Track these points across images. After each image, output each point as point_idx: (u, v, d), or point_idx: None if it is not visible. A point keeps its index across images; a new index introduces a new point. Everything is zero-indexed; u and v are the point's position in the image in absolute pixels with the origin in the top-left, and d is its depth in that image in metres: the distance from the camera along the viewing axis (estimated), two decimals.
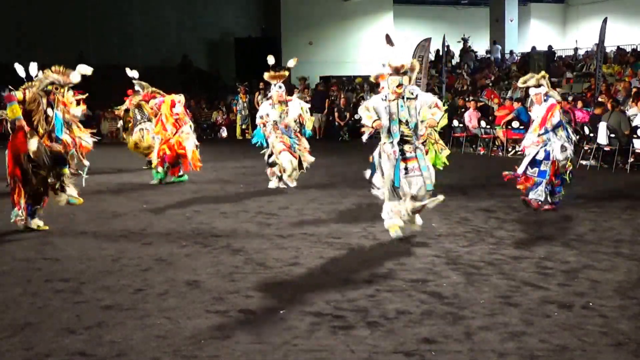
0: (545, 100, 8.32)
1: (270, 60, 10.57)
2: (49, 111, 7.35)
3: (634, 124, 12.62)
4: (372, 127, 6.98)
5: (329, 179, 11.46)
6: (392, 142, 6.95)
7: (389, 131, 6.96)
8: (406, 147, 6.96)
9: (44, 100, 7.33)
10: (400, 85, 6.87)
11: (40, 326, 4.58)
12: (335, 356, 4.04)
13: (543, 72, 8.65)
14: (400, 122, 6.91)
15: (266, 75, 10.40)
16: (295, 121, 10.39)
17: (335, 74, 26.72)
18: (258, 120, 10.53)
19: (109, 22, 26.56)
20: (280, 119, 10.28)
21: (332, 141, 19.06)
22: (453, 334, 4.35)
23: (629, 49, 22.36)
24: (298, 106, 10.44)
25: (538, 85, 8.32)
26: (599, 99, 14.69)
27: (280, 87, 10.29)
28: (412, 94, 6.96)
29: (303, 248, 6.74)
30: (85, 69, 7.63)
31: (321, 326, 4.51)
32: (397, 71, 6.89)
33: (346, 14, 29.40)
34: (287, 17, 28.30)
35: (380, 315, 4.70)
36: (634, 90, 14.85)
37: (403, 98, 6.91)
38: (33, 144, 7.19)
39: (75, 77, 7.52)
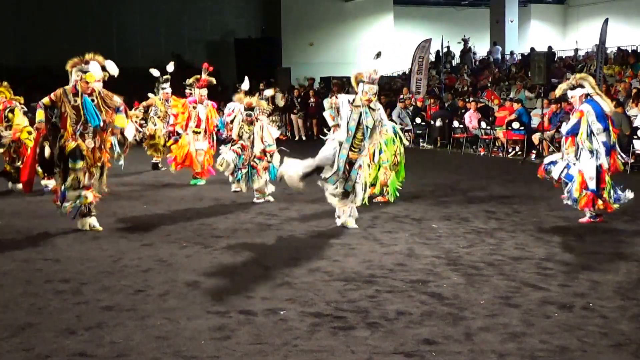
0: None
1: (245, 85, 9.95)
2: (77, 100, 7.40)
3: (634, 124, 12.61)
4: (331, 127, 7.51)
5: None
6: (343, 148, 7.37)
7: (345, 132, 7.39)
8: (352, 155, 7.40)
9: (70, 97, 7.40)
10: (375, 94, 7.40)
11: (41, 327, 4.58)
12: (336, 357, 4.04)
13: (585, 74, 8.27)
14: (357, 129, 7.31)
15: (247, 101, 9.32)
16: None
17: (336, 75, 26.73)
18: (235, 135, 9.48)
19: (108, 23, 26.61)
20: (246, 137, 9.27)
21: None
22: (453, 334, 4.35)
23: (629, 50, 22.35)
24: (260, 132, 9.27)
25: (575, 87, 7.74)
26: None
27: (249, 114, 9.23)
28: (375, 105, 7.46)
29: (303, 248, 6.74)
30: (111, 67, 7.80)
31: (321, 327, 4.51)
32: (372, 81, 7.29)
33: (347, 15, 29.42)
34: (288, 18, 28.33)
35: (381, 316, 4.70)
36: (634, 91, 14.84)
37: (369, 107, 7.34)
38: (46, 151, 7.54)
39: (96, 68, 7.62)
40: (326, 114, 7.51)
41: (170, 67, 12.30)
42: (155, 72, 12.90)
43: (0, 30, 24.84)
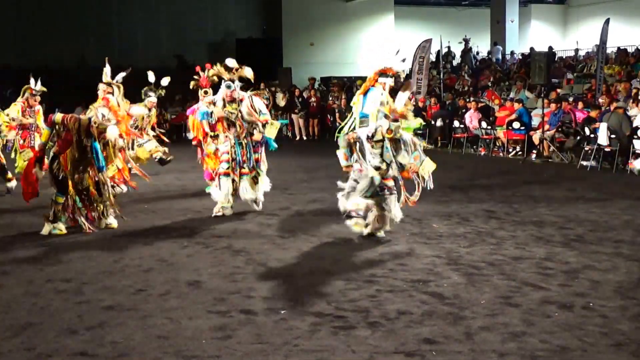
0: None
1: (231, 62, 8.56)
2: (85, 141, 7.36)
3: (634, 124, 12.62)
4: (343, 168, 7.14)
5: (330, 180, 11.45)
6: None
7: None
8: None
9: (81, 133, 7.33)
10: (390, 130, 6.79)
11: (42, 326, 4.59)
12: (336, 356, 4.05)
13: None
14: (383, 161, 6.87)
15: (219, 71, 8.47)
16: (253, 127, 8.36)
17: (336, 75, 26.74)
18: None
19: (109, 24, 26.61)
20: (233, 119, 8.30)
21: (333, 142, 19.04)
22: (454, 334, 4.36)
23: (629, 50, 22.36)
24: (247, 104, 8.31)
25: None
26: (599, 100, 14.70)
27: (229, 86, 8.28)
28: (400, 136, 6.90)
29: (304, 248, 6.75)
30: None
31: (322, 326, 4.52)
32: (394, 115, 6.83)
33: (347, 15, 29.42)
34: (288, 18, 28.33)
35: (381, 316, 4.71)
36: (634, 91, 14.85)
37: (392, 140, 6.84)
38: (39, 174, 7.43)
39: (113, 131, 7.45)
40: (340, 153, 7.05)
41: (165, 82, 12.08)
42: (151, 77, 12.66)
43: (0, 30, 24.84)
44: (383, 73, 7.07)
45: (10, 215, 8.59)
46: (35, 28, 24.81)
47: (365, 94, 7.07)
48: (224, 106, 8.36)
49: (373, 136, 6.82)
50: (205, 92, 9.86)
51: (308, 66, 27.04)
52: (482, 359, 3.99)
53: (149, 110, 12.25)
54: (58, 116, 7.37)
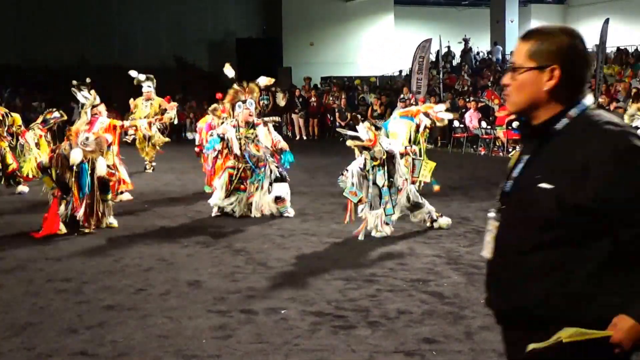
0: None
1: (229, 72, 8.71)
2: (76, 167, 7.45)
3: (633, 124, 12.62)
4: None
5: (330, 179, 11.45)
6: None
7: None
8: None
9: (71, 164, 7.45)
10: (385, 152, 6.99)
11: (42, 326, 4.59)
12: (336, 356, 4.05)
13: None
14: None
15: (231, 93, 8.44)
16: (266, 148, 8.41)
17: (336, 75, 26.74)
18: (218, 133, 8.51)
19: (109, 24, 26.60)
20: (245, 144, 8.32)
21: (333, 142, 19.07)
22: (454, 333, 4.36)
23: (629, 50, 22.38)
24: (265, 132, 8.42)
25: None
26: (599, 100, 14.71)
27: (251, 104, 8.34)
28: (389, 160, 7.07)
29: (304, 248, 6.75)
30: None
31: (322, 326, 4.53)
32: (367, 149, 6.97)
33: (347, 14, 29.43)
34: (288, 18, 28.34)
35: (381, 315, 4.71)
36: (634, 90, 14.86)
37: (383, 164, 7.02)
38: (62, 210, 7.46)
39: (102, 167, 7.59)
40: (347, 194, 7.17)
41: (133, 73, 12.13)
42: (133, 73, 12.61)
43: (0, 30, 24.84)
44: (428, 115, 7.51)
45: (10, 216, 8.59)
46: (35, 28, 24.80)
47: (404, 116, 7.62)
48: (238, 130, 8.33)
49: (365, 166, 7.08)
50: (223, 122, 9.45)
51: (308, 66, 27.03)
52: (482, 358, 4.00)
53: (147, 100, 12.25)
54: (45, 160, 7.59)
